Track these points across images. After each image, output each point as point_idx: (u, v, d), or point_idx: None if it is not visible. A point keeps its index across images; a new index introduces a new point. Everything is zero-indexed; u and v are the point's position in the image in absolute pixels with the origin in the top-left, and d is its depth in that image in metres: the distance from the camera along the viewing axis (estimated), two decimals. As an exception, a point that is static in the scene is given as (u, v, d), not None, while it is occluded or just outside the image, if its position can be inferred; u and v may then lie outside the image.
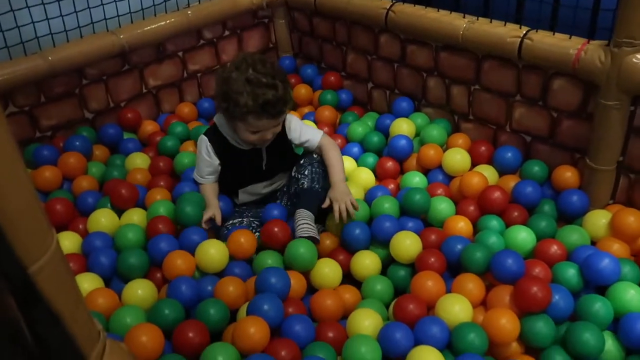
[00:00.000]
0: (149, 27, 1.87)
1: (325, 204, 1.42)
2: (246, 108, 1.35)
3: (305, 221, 1.41)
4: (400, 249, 1.36)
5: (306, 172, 1.51)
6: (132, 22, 1.87)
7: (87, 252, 1.38)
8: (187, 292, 1.24)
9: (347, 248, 1.44)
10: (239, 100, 1.34)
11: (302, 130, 1.53)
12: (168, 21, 1.90)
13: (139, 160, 1.74)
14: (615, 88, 1.32)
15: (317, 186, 1.49)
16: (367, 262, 1.38)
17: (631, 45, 1.26)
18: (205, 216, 1.45)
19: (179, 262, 1.31)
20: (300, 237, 1.38)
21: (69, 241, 1.41)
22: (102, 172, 1.70)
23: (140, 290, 1.27)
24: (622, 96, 1.33)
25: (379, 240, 1.42)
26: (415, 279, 1.28)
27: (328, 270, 1.35)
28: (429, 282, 1.25)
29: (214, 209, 1.48)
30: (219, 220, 1.47)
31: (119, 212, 1.51)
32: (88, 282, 1.28)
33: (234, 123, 1.42)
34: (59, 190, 1.63)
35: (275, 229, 1.40)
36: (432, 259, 1.32)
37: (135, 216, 1.48)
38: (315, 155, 1.54)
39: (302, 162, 1.54)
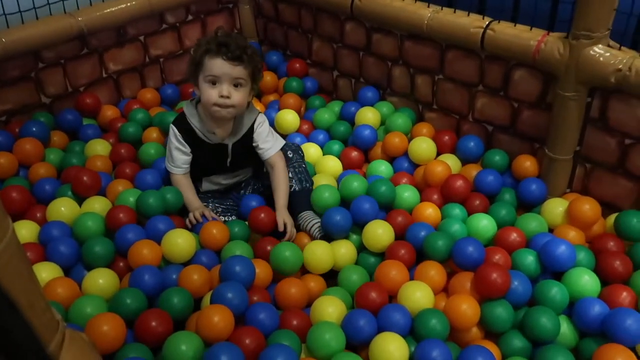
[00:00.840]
0: (109, 10, 1.81)
1: (281, 228, 1.43)
2: (205, 47, 1.39)
3: (316, 221, 1.46)
4: (372, 238, 1.37)
5: (291, 175, 1.53)
6: (91, 4, 1.81)
7: (45, 241, 1.34)
8: (150, 281, 1.22)
9: (327, 236, 1.43)
10: (200, 44, 1.40)
11: (268, 135, 1.52)
12: (129, 4, 1.85)
13: (99, 147, 1.69)
14: (573, 79, 1.35)
15: (307, 185, 1.53)
16: (342, 250, 1.38)
17: (588, 38, 1.30)
18: (196, 214, 1.45)
19: (145, 251, 1.28)
20: (318, 237, 1.43)
21: (26, 230, 1.37)
22: (60, 158, 1.65)
23: (101, 280, 1.24)
24: (579, 87, 1.36)
25: (359, 223, 1.42)
26: (380, 267, 1.29)
27: (321, 252, 1.34)
28: (393, 271, 1.26)
29: (201, 207, 1.48)
30: (209, 215, 1.47)
31: (79, 200, 1.47)
32: (46, 272, 1.25)
33: (197, 79, 1.42)
34: (14, 177, 1.57)
35: (262, 215, 1.42)
36: (402, 251, 1.33)
37: (97, 204, 1.44)
38: (290, 155, 1.57)
39: None
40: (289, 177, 1.53)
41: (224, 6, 2.17)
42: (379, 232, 1.37)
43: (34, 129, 1.67)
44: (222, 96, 1.38)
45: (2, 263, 0.47)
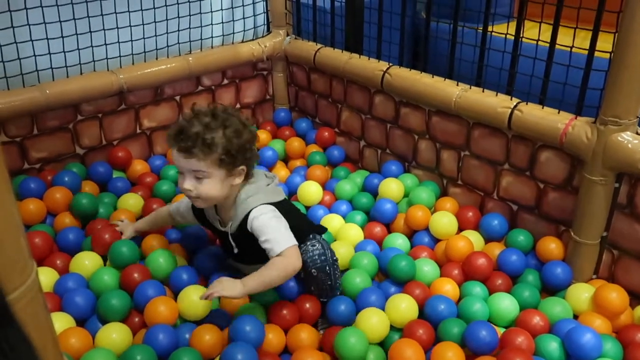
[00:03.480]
0: (149, 70, 1.90)
1: (206, 294, 1.21)
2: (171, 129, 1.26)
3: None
4: (394, 313, 1.34)
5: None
6: (133, 63, 1.90)
7: (60, 292, 1.34)
8: (164, 340, 1.21)
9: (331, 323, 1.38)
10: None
11: (268, 232, 1.24)
12: (169, 65, 1.94)
13: (131, 201, 1.72)
14: (601, 164, 1.35)
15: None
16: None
17: (616, 124, 1.30)
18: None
19: (161, 308, 1.27)
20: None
21: (45, 277, 1.38)
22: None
23: (114, 334, 1.23)
24: (607, 172, 1.35)
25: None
26: (395, 346, 1.24)
27: (377, 320, 1.29)
28: (408, 352, 1.22)
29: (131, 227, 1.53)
30: (125, 235, 1.50)
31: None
32: (60, 322, 1.24)
33: None
34: (40, 224, 1.60)
35: (307, 305, 1.36)
36: (420, 331, 1.29)
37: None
38: (314, 273, 1.35)
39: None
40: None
41: (259, 73, 2.25)
42: (402, 307, 1.34)
43: (67, 178, 1.71)
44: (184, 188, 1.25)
45: (22, 305, 0.48)
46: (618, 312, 1.34)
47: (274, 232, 1.25)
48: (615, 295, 1.33)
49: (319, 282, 1.37)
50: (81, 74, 1.79)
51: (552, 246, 1.52)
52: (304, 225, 1.39)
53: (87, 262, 1.43)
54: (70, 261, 1.45)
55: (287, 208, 1.35)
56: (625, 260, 1.44)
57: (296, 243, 1.26)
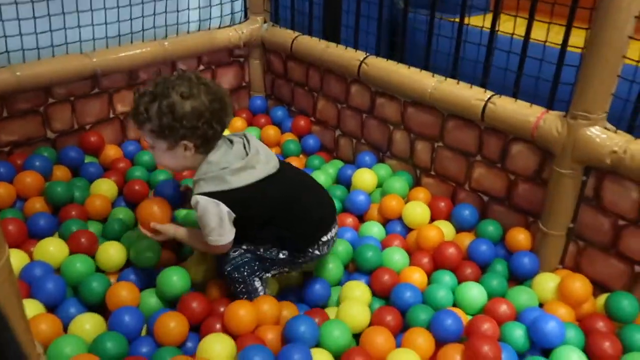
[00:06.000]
0: (124, 54, 1.87)
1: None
2: None
3: None
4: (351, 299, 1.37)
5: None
6: (107, 46, 1.87)
7: (27, 279, 1.32)
8: (130, 323, 1.21)
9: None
10: None
11: (202, 221, 1.26)
12: (143, 50, 1.91)
13: (104, 187, 1.70)
14: (570, 158, 1.38)
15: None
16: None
17: (586, 119, 1.33)
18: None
19: (123, 293, 1.28)
20: None
21: (16, 260, 1.36)
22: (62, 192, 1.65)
23: (87, 325, 1.23)
24: (575, 166, 1.39)
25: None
26: (365, 333, 1.27)
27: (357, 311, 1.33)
28: (379, 338, 1.24)
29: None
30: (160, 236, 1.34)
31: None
32: (29, 308, 1.23)
33: None
34: (10, 208, 1.57)
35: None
36: (389, 317, 1.32)
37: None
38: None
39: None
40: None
41: (235, 60, 2.24)
42: (357, 294, 1.38)
43: (38, 163, 1.68)
44: None
45: (-6, 287, 0.48)
46: (581, 302, 1.38)
47: (204, 225, 1.26)
48: (579, 285, 1.37)
49: (230, 285, 1.36)
50: (53, 56, 1.76)
51: (520, 237, 1.56)
52: (251, 226, 1.32)
53: (52, 248, 1.40)
54: (35, 247, 1.42)
55: (239, 198, 1.25)
56: (590, 251, 1.48)
57: (224, 242, 1.27)
